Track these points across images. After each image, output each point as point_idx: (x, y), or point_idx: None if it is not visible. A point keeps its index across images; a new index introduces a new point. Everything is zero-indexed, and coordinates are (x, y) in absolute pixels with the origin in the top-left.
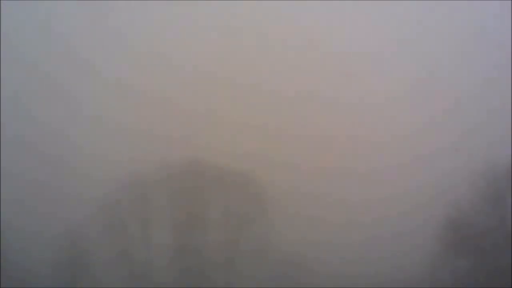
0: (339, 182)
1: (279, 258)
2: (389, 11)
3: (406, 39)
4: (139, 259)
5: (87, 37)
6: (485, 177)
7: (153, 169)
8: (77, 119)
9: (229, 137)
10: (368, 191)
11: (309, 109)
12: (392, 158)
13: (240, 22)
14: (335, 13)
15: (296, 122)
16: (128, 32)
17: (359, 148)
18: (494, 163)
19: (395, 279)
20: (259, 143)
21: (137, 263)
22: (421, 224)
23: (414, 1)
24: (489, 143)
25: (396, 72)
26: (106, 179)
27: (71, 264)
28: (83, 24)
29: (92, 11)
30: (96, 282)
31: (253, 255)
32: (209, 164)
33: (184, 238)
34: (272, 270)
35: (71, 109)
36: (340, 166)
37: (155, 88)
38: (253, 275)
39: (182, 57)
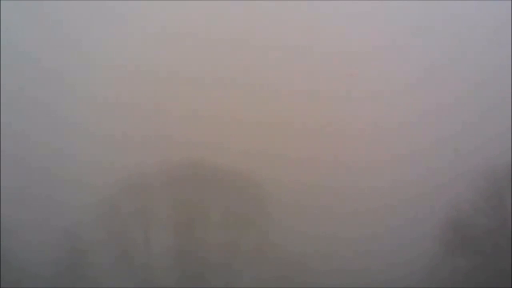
0: (339, 182)
1: (279, 258)
2: (389, 11)
3: (406, 39)
4: (140, 260)
5: (85, 37)
6: (485, 177)
7: (153, 171)
8: (78, 121)
9: (229, 137)
10: (368, 190)
11: (310, 108)
12: (392, 158)
13: (238, 21)
14: (334, 12)
15: (296, 122)
16: (126, 32)
17: (359, 148)
18: (494, 163)
19: (395, 278)
20: (259, 143)
21: (137, 264)
22: (421, 224)
23: (413, 1)
24: (489, 143)
25: (395, 71)
26: (106, 181)
27: (72, 266)
28: (81, 26)
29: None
30: (97, 283)
31: (253, 256)
32: (209, 165)
33: (184, 239)
34: (273, 270)
35: (71, 109)
36: (341, 165)
37: (154, 89)
38: (253, 275)
39: (180, 57)
